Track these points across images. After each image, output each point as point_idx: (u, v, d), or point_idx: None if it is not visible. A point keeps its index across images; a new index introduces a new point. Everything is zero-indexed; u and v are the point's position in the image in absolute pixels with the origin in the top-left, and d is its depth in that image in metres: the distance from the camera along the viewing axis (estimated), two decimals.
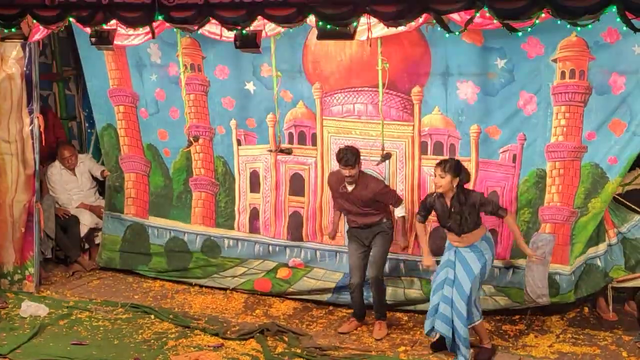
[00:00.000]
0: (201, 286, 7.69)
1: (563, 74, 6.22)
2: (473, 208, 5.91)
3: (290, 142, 7.20)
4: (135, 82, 7.80)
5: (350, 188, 6.50)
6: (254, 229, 7.59)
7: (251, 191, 7.58)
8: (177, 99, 7.55)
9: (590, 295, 6.66)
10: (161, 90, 7.69)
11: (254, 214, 7.58)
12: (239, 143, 7.53)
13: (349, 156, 6.33)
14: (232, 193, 7.66)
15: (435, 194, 6.09)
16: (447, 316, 5.90)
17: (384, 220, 6.55)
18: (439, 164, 6.00)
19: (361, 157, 6.47)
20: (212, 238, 7.76)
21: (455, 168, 5.92)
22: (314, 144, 7.16)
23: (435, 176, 5.98)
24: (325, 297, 7.18)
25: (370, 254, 6.53)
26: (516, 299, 6.60)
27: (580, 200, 6.38)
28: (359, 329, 6.61)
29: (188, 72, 7.36)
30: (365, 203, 6.48)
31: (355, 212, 6.55)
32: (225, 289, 7.55)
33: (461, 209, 5.89)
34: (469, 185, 6.22)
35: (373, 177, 6.66)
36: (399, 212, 6.59)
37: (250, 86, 7.29)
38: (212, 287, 7.64)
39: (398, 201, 6.57)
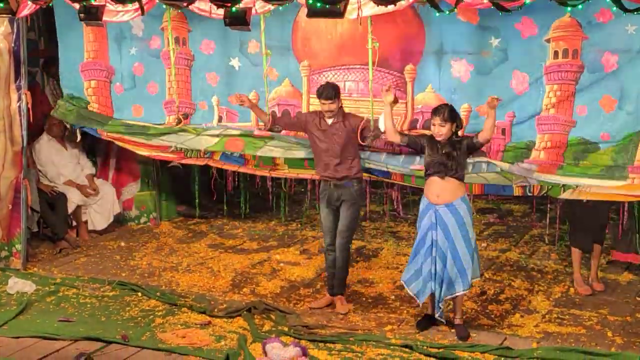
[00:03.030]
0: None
1: (556, 53, 6.19)
2: (464, 151, 5.88)
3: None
4: (112, 56, 7.65)
5: (329, 121, 6.38)
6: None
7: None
8: (157, 74, 7.47)
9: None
10: (140, 65, 7.57)
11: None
12: (219, 120, 7.41)
13: (329, 89, 6.27)
14: None
15: (429, 136, 6.03)
16: (437, 274, 5.86)
17: (355, 184, 6.40)
18: (436, 113, 5.90)
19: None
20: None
21: (453, 113, 5.91)
22: None
23: (435, 126, 5.89)
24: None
25: (339, 223, 6.43)
26: (506, 174, 6.44)
27: (569, 159, 6.26)
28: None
29: (177, 48, 7.26)
30: (343, 140, 6.33)
31: (330, 155, 6.36)
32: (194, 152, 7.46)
33: (453, 149, 5.85)
34: None
35: (354, 114, 6.52)
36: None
37: (235, 62, 7.19)
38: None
39: (375, 128, 6.46)
